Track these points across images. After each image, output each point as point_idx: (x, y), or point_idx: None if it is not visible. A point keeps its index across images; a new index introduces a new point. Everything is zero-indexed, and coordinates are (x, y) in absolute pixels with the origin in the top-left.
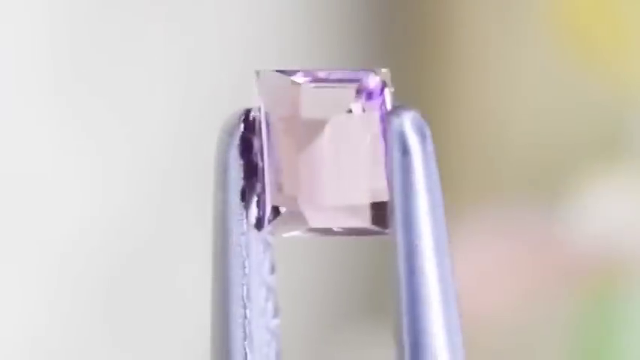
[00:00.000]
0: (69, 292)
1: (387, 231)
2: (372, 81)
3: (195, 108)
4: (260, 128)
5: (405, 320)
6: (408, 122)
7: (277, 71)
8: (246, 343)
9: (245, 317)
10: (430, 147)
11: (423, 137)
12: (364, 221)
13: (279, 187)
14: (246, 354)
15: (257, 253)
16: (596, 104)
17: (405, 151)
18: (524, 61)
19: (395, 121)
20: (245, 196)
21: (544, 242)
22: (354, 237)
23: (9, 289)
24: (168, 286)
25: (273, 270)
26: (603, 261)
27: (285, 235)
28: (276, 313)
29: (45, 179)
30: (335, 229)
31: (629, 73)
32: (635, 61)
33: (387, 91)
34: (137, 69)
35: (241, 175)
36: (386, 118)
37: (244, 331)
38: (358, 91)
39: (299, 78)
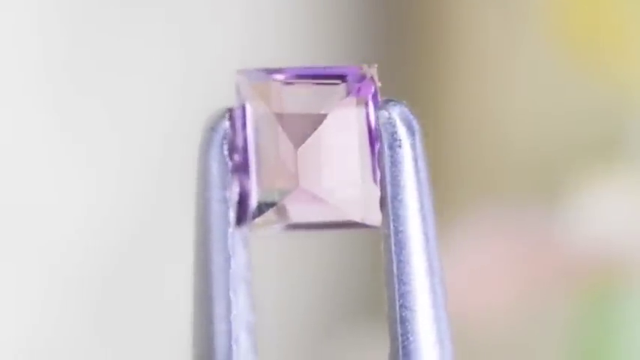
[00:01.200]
0: (62, 292)
1: (375, 225)
2: (360, 76)
3: (192, 108)
4: (242, 126)
5: (396, 310)
6: (396, 116)
7: (260, 70)
8: (233, 339)
9: (231, 313)
10: (419, 140)
11: (411, 131)
12: (355, 215)
13: (263, 184)
14: (231, 350)
15: (238, 250)
16: (595, 105)
17: (393, 144)
18: (524, 61)
19: (383, 115)
20: (227, 193)
21: (543, 243)
22: (346, 236)
23: (1, 289)
24: (161, 286)
25: (249, 266)
26: (602, 262)
27: (265, 231)
28: (253, 309)
29: (38, 179)
30: (315, 224)
31: (629, 75)
32: (635, 63)
33: (375, 86)
34: (133, 68)
35: (224, 172)
36: (374, 112)
37: (230, 328)
38: (346, 86)
39: (283, 75)
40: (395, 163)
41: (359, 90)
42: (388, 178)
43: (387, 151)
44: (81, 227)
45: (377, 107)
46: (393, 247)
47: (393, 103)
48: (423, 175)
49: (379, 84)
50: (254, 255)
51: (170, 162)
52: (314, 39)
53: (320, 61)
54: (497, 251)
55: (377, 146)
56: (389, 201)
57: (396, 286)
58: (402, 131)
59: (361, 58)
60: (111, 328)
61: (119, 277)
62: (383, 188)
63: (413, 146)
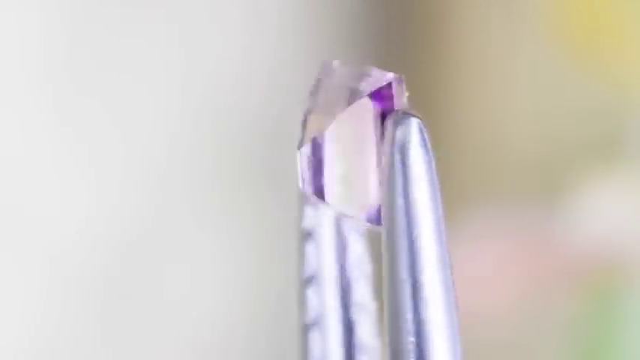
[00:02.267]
0: (64, 292)
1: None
2: (383, 83)
3: (192, 108)
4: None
5: (408, 322)
6: (409, 129)
7: (334, 64)
8: (316, 331)
9: (307, 309)
10: (430, 152)
11: (424, 144)
12: (359, 219)
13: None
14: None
15: (339, 242)
16: (595, 105)
17: (405, 158)
18: (524, 61)
19: (397, 127)
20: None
21: (544, 243)
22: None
23: (3, 289)
24: (162, 287)
25: (361, 258)
26: (602, 261)
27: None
28: (357, 305)
29: (39, 180)
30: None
31: (629, 75)
32: (635, 63)
33: (395, 96)
34: (133, 68)
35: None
36: (389, 122)
37: (310, 316)
38: (371, 92)
39: (345, 73)
40: (406, 175)
41: (379, 97)
42: (399, 190)
43: (398, 164)
44: (82, 227)
45: (392, 118)
46: (404, 264)
47: (406, 115)
48: (435, 187)
49: (405, 94)
50: (259, 252)
51: (171, 162)
52: (314, 39)
53: (319, 61)
54: (498, 251)
55: (385, 156)
56: (401, 215)
57: (407, 298)
58: (414, 146)
59: (361, 58)
60: (113, 328)
61: (121, 278)
62: (390, 194)
63: (425, 161)
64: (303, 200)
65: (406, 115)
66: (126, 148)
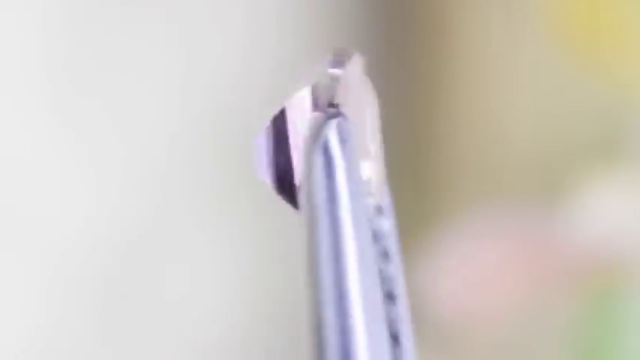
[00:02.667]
0: (64, 292)
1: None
2: (326, 79)
3: (192, 108)
4: None
5: (327, 315)
6: (328, 128)
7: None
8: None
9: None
10: (350, 151)
11: (344, 143)
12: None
13: None
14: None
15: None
16: (595, 105)
17: (324, 156)
18: (525, 61)
19: (317, 126)
20: None
21: (544, 242)
22: None
23: (3, 289)
24: (164, 286)
25: (385, 258)
26: (603, 261)
27: None
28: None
29: (39, 180)
30: None
31: (629, 75)
32: (635, 63)
33: (333, 92)
34: (133, 68)
35: None
36: (312, 120)
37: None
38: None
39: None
40: (328, 175)
41: (316, 93)
42: (321, 189)
43: (318, 163)
44: (83, 227)
45: (315, 115)
46: (326, 257)
47: (328, 114)
48: (355, 185)
49: (343, 90)
50: (259, 252)
51: (171, 162)
52: (314, 39)
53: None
54: (499, 251)
55: (305, 154)
56: (321, 212)
57: (329, 296)
58: (332, 145)
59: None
60: (113, 328)
61: (121, 278)
62: (311, 197)
63: (345, 158)
64: None
65: (327, 113)
66: (126, 148)
